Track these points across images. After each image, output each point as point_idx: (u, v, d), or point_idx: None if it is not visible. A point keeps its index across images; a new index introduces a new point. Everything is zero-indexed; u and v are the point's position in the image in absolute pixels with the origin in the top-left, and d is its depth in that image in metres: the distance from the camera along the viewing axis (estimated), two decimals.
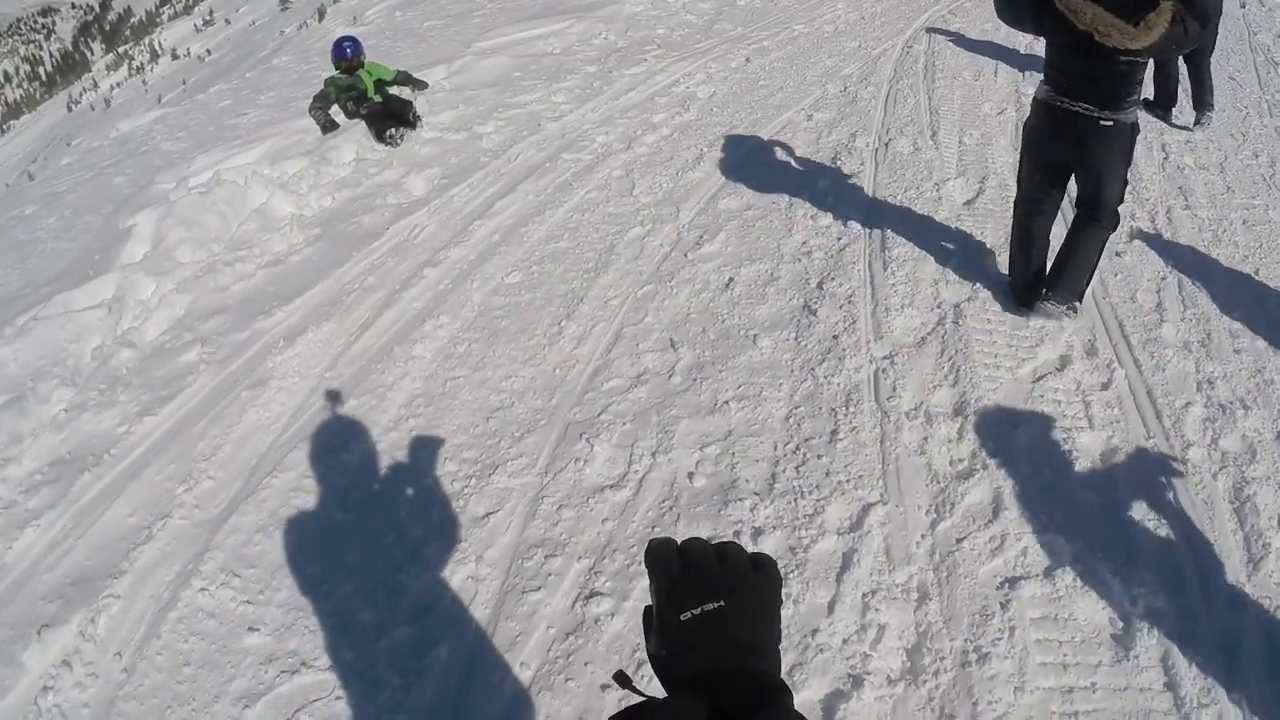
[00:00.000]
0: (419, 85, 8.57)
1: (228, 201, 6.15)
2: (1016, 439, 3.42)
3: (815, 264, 4.67)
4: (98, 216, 8.80)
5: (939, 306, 4.24)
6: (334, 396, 4.06)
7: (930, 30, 9.38)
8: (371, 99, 7.80)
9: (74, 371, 4.65)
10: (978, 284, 4.38)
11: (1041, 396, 3.65)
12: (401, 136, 7.25)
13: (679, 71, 8.47)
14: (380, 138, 7.32)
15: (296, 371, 4.26)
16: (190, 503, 3.57)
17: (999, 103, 6.98)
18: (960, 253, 4.67)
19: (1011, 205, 4.28)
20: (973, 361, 3.82)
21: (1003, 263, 4.51)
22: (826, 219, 5.12)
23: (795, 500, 3.22)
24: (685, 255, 4.86)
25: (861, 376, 3.80)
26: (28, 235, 9.22)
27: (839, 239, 4.89)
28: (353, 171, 6.75)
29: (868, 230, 4.96)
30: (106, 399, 4.30)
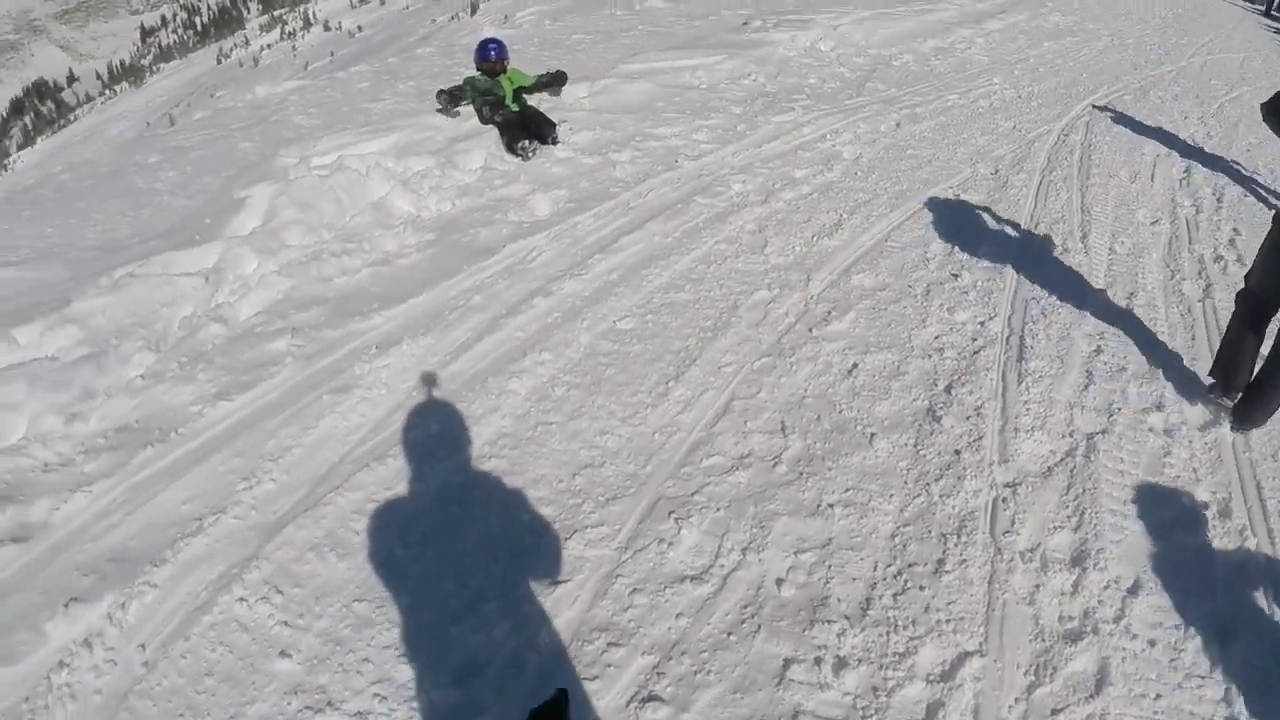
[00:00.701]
0: (558, 79, 8.52)
1: (346, 189, 6.18)
2: (1134, 605, 3.11)
3: (946, 364, 4.42)
4: (217, 179, 9.02)
5: (1071, 434, 3.95)
6: (418, 418, 3.98)
7: (1088, 119, 9.07)
8: (508, 107, 7.82)
9: (160, 337, 4.70)
10: (1114, 415, 4.10)
11: (1166, 558, 3.33)
12: (533, 150, 7.24)
13: (826, 126, 8.36)
14: (511, 148, 7.31)
15: (384, 383, 4.19)
16: (248, 502, 3.51)
17: (1154, 211, 6.66)
18: (1100, 376, 4.38)
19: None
20: (1099, 506, 3.53)
21: (1143, 393, 4.28)
22: (963, 314, 4.89)
23: (888, 633, 2.98)
24: (810, 330, 4.67)
25: (979, 502, 3.53)
26: (147, 185, 9.50)
27: (974, 339, 4.64)
28: (478, 179, 6.75)
29: (1005, 334, 4.73)
30: (186, 373, 4.31)
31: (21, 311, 4.90)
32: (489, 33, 18.35)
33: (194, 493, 3.56)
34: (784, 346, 4.54)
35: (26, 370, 4.35)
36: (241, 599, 3.07)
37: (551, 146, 7.43)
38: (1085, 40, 15.01)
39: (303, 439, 3.84)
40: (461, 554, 3.25)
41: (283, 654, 2.88)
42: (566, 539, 3.31)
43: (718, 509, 3.44)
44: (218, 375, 4.30)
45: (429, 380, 4.23)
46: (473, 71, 8.26)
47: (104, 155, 12.42)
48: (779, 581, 3.15)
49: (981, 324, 4.80)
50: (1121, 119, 9.33)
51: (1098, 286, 5.28)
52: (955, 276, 5.31)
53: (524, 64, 13.58)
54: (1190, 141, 8.86)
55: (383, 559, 3.24)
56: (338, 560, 3.24)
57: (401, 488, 3.56)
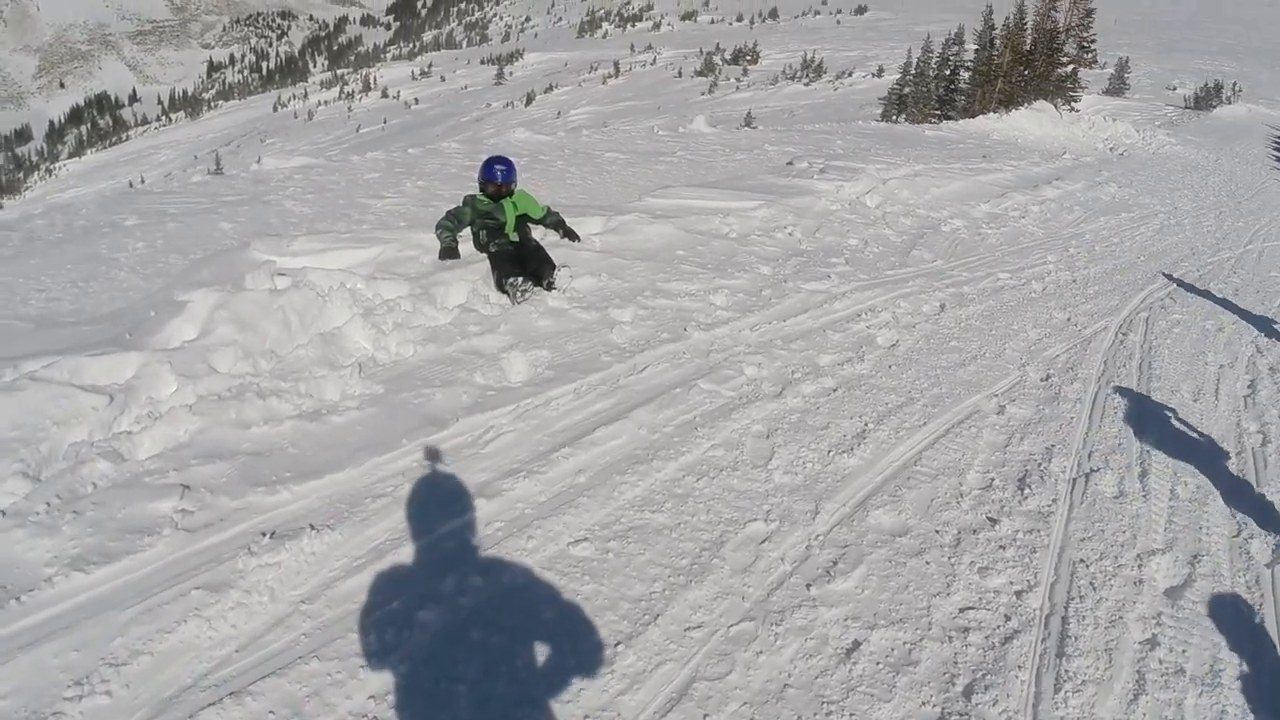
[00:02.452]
0: (569, 235, 8.21)
1: (299, 311, 5.74)
2: None
3: (969, 654, 3.80)
4: (182, 259, 8.72)
5: None
6: (296, 644, 3.40)
7: (1147, 315, 8.67)
8: (507, 236, 7.44)
9: (41, 463, 4.26)
10: None
11: None
12: (524, 294, 6.81)
13: (863, 302, 7.99)
14: (500, 285, 6.91)
15: (268, 588, 3.64)
16: (72, 716, 2.98)
17: (1218, 437, 6.10)
18: (1154, 682, 3.75)
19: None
20: None
21: (1201, 706, 3.66)
22: (997, 579, 4.28)
23: None
24: (808, 587, 4.06)
25: None
26: (110, 253, 9.24)
27: (1006, 619, 4.02)
28: (451, 322, 6.32)
29: (1045, 613, 4.10)
30: (52, 521, 3.86)
31: None
32: (518, 138, 18.41)
33: (16, 686, 3.08)
34: (772, 608, 3.92)
35: None
36: None
37: (545, 292, 6.99)
38: (1142, 218, 14.89)
39: (155, 644, 3.30)
40: None
41: None
42: None
43: None
44: (84, 533, 3.80)
45: (323, 594, 3.66)
46: (476, 192, 7.88)
47: (86, 205, 12.17)
48: None
49: (1018, 594, 4.19)
50: (1182, 317, 8.96)
51: (1156, 546, 4.67)
52: (992, 522, 4.73)
53: (548, 179, 13.47)
54: (1254, 347, 8.47)
55: None
56: None
57: None
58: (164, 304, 6.08)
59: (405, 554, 3.95)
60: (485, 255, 7.43)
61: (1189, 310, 9.20)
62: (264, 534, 3.91)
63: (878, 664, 3.69)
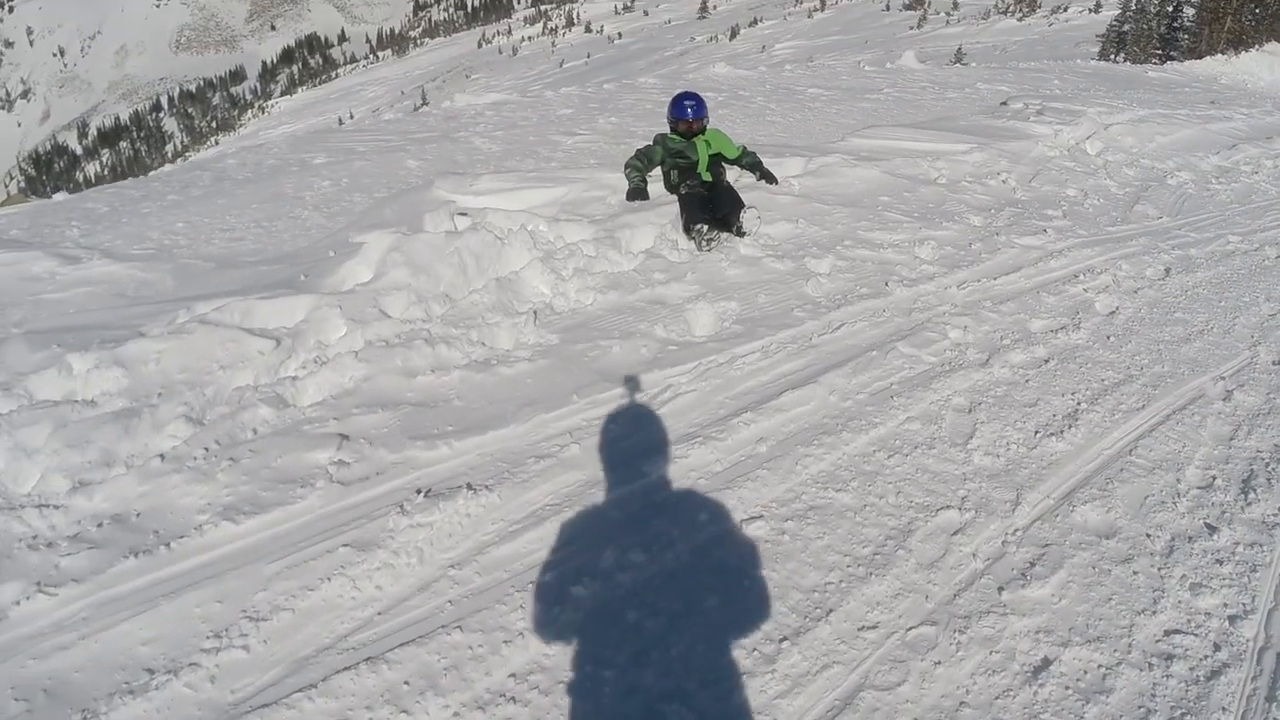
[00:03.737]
0: (767, 177, 7.94)
1: (476, 254, 5.72)
2: None
3: (1170, 685, 3.35)
4: (366, 197, 8.91)
5: None
6: (441, 611, 3.35)
7: None
8: (699, 175, 7.22)
9: (205, 405, 4.42)
10: None
11: None
12: (710, 242, 6.58)
13: (1080, 261, 7.41)
14: (687, 229, 6.71)
15: (418, 548, 3.61)
16: (208, 669, 3.04)
17: None
18: None
19: None
20: None
21: None
22: (1210, 599, 3.78)
23: None
24: (1000, 591, 3.71)
25: None
26: (294, 192, 9.54)
27: (1215, 649, 3.54)
28: (636, 268, 6.18)
29: (1259, 646, 3.58)
30: (207, 468, 3.96)
31: (89, 332, 4.88)
32: (718, 72, 18.11)
33: (158, 633, 3.16)
34: (957, 611, 3.60)
35: (57, 413, 4.22)
36: None
37: (737, 238, 6.75)
38: None
39: (298, 601, 3.32)
40: None
41: None
42: None
43: None
44: (238, 481, 3.89)
45: (473, 560, 3.60)
46: (666, 130, 7.69)
47: (276, 145, 12.74)
48: None
49: (1231, 620, 3.69)
50: None
51: None
52: (1211, 530, 4.21)
53: (746, 116, 13.17)
54: None
55: None
56: None
57: (385, 713, 2.92)
58: (342, 244, 6.21)
59: (565, 522, 3.85)
60: (675, 197, 7.26)
61: None
62: (419, 491, 3.89)
63: (1067, 689, 3.31)
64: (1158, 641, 3.56)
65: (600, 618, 3.38)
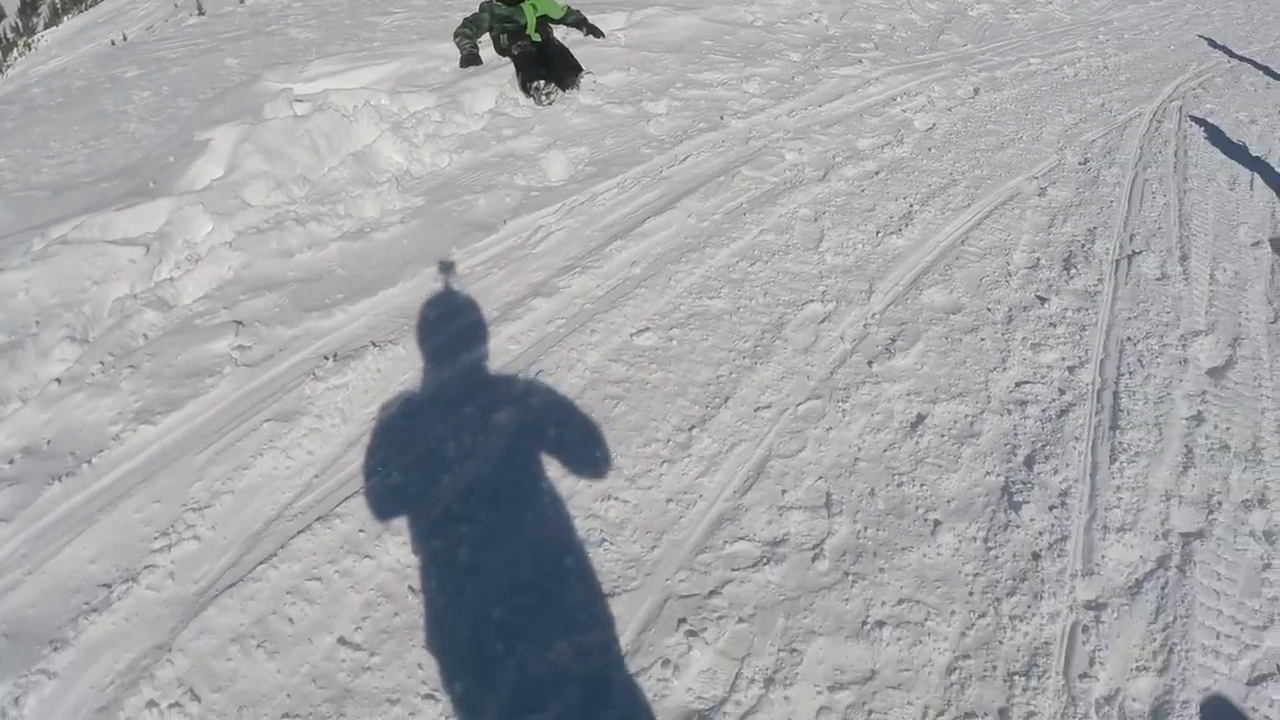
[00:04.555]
0: (593, 31, 7.96)
1: (326, 134, 5.64)
2: None
3: (1028, 425, 3.81)
4: (192, 103, 8.58)
5: (1166, 537, 3.33)
6: (374, 460, 3.46)
7: (1180, 104, 8.37)
8: (529, 38, 7.20)
9: (87, 323, 4.30)
10: (1214, 511, 3.47)
11: (1255, 710, 2.77)
12: (548, 95, 6.62)
13: (896, 86, 7.78)
14: (525, 88, 6.72)
15: (338, 409, 3.68)
16: (165, 567, 3.05)
17: (1254, 229, 5.88)
18: (1201, 457, 3.75)
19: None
20: (1190, 638, 2.95)
21: (1244, 481, 3.65)
22: (1050, 354, 4.27)
23: None
24: (870, 364, 4.07)
25: (1055, 630, 2.95)
26: (115, 107, 9.06)
27: (1061, 392, 4.03)
28: (483, 128, 6.18)
29: (1098, 388, 4.09)
30: (108, 380, 3.87)
31: None
32: None
33: (103, 548, 3.13)
34: (836, 385, 3.94)
35: None
36: (151, 703, 2.64)
37: (575, 91, 6.81)
38: (1171, 7, 14.18)
39: (234, 482, 3.36)
40: (414, 665, 2.75)
41: None
42: (548, 641, 2.79)
43: (739, 619, 2.90)
44: (144, 385, 3.84)
45: (394, 408, 3.71)
46: None
47: (82, 65, 11.94)
48: None
49: (1070, 370, 4.18)
50: (1215, 107, 8.53)
51: (1199, 328, 4.59)
52: (1042, 300, 4.68)
53: None
54: None
55: (319, 661, 2.76)
56: (266, 659, 2.77)
57: (349, 563, 3.05)
58: (183, 148, 6.01)
59: (471, 361, 3.97)
60: (509, 59, 7.22)
61: (1221, 100, 8.73)
62: (326, 358, 3.93)
63: (942, 436, 3.72)
64: (1011, 392, 4.00)
65: (524, 437, 3.56)
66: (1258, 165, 7.05)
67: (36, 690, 2.67)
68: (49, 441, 3.59)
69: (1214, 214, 5.99)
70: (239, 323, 4.16)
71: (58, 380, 3.90)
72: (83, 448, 3.54)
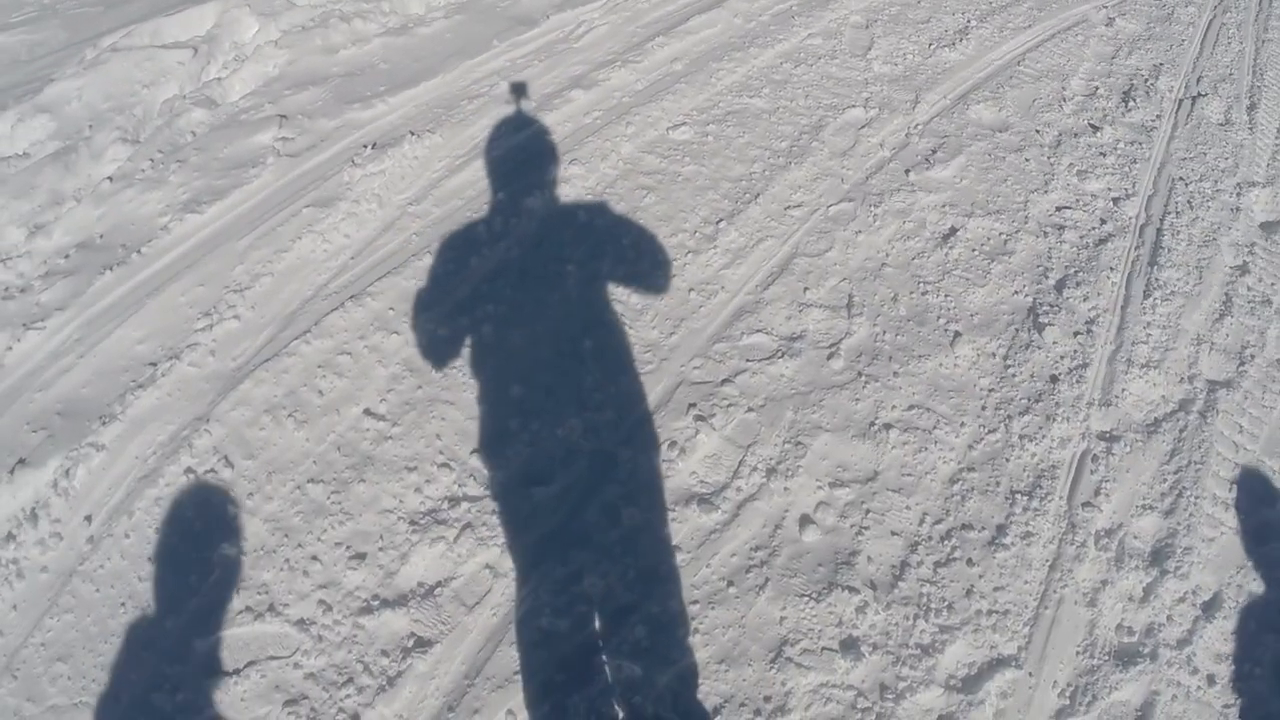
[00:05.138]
0: None
1: None
2: (1205, 630, 2.58)
3: (1064, 250, 3.69)
4: None
5: (1192, 380, 3.25)
6: (408, 244, 3.51)
7: None
8: None
9: (138, 124, 4.33)
10: (1247, 364, 3.36)
11: (1259, 570, 2.74)
12: None
13: None
14: None
15: (375, 195, 3.71)
16: (206, 345, 3.18)
17: None
18: (1240, 308, 3.60)
19: None
20: (1201, 487, 2.91)
21: None
22: (1096, 183, 4.08)
23: (915, 618, 2.52)
24: (907, 173, 3.95)
25: (1064, 455, 2.95)
26: None
27: (1103, 221, 3.87)
28: None
29: (1141, 223, 3.92)
30: (157, 175, 3.92)
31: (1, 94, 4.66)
32: None
33: (150, 330, 3.27)
34: (871, 190, 3.84)
35: None
36: (189, 470, 2.81)
37: None
38: None
39: (274, 265, 3.44)
40: (433, 436, 2.86)
41: (227, 540, 2.64)
42: (561, 419, 2.88)
43: (748, 408, 2.94)
44: (191, 177, 3.89)
45: (431, 191, 3.73)
46: None
47: None
48: (803, 521, 2.69)
49: (1115, 201, 4.00)
50: None
51: (1257, 179, 4.31)
52: (1094, 129, 4.44)
53: None
54: None
55: (344, 430, 2.88)
56: (295, 428, 2.90)
57: (378, 339, 3.14)
58: None
59: (506, 148, 3.95)
60: None
61: None
62: (365, 146, 3.93)
63: (974, 250, 3.63)
64: (1050, 215, 3.86)
65: (555, 221, 3.58)
66: None
67: (86, 461, 2.82)
68: (101, 235, 3.68)
69: None
70: (283, 116, 4.15)
71: (110, 179, 3.96)
72: (133, 239, 3.63)
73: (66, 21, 6.23)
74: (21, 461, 2.85)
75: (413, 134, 3.96)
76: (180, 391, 3.03)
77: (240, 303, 3.30)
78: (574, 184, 3.77)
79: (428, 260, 3.41)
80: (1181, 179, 4.23)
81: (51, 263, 3.60)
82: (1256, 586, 2.71)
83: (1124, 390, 3.17)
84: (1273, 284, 3.75)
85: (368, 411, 2.92)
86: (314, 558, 2.59)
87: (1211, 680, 2.48)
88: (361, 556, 2.59)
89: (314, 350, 3.11)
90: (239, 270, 3.42)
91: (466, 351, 3.09)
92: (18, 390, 3.11)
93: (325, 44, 4.63)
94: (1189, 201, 4.08)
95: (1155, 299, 3.55)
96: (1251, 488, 2.98)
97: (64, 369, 3.15)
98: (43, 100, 4.35)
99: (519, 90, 4.30)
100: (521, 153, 3.94)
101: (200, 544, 2.64)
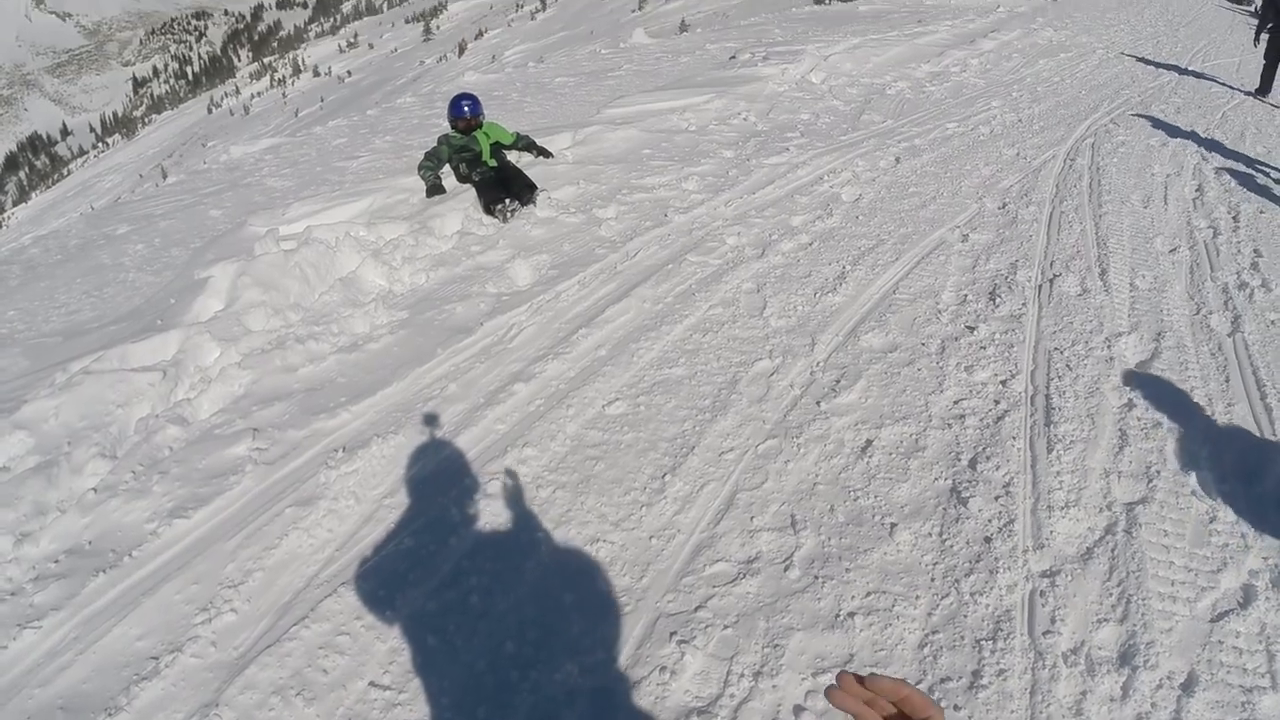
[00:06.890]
0: (542, 153, 8.44)
1: (313, 264, 5.97)
2: (1190, 705, 2.80)
3: (968, 434, 4.15)
4: (184, 251, 8.87)
5: (1110, 508, 3.65)
6: (389, 533, 3.71)
7: (1092, 141, 8.95)
8: (485, 164, 7.65)
9: (115, 442, 4.49)
10: (1154, 480, 3.80)
11: (1221, 642, 3.03)
12: (512, 212, 7.05)
13: (823, 167, 8.24)
14: (489, 209, 7.14)
15: (352, 492, 3.93)
16: (207, 637, 3.24)
17: (1170, 238, 6.47)
18: (1135, 436, 4.11)
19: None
20: (1145, 590, 3.23)
21: (1181, 450, 4.02)
22: (983, 373, 4.64)
23: None
24: (818, 404, 4.41)
25: (1015, 599, 3.23)
26: (113, 260, 9.33)
27: (996, 403, 4.38)
28: (454, 247, 6.55)
29: (1030, 394, 4.46)
30: (140, 485, 4.08)
31: None
32: (468, 80, 18.36)
33: (149, 627, 3.31)
34: (790, 425, 4.27)
35: None
36: None
37: (532, 207, 7.24)
38: (1079, 56, 15.07)
39: (264, 561, 3.58)
40: (440, 694, 2.97)
41: None
42: (556, 665, 3.03)
43: (725, 626, 3.16)
44: (174, 487, 4.05)
45: (401, 487, 3.97)
46: (448, 129, 8.10)
47: (74, 226, 12.27)
48: (797, 710, 2.86)
49: (1003, 383, 4.55)
50: (1127, 138, 9.19)
51: (1122, 330, 5.03)
52: (971, 330, 5.07)
53: (506, 111, 13.55)
54: (1199, 155, 8.73)
55: (353, 703, 2.96)
56: (305, 705, 2.96)
57: (373, 617, 3.28)
58: (183, 289, 6.30)
59: (465, 442, 4.25)
60: (470, 184, 7.66)
61: (1133, 131, 9.41)
62: (336, 450, 4.19)
63: (890, 454, 4.05)
64: (950, 409, 4.36)
65: (521, 499, 3.85)
66: (1169, 181, 7.57)
67: None
68: (90, 542, 3.78)
69: (1129, 231, 6.50)
70: (255, 429, 4.40)
71: (93, 490, 4.10)
72: (122, 544, 3.73)
73: (27, 349, 6.47)
74: None
75: (379, 436, 4.25)
76: (185, 681, 3.07)
77: (236, 597, 3.40)
78: (530, 464, 4.08)
79: (409, 542, 3.61)
80: (1056, 349, 4.84)
81: (41, 567, 3.66)
82: (1226, 655, 2.97)
83: (1052, 532, 3.52)
84: (1159, 409, 4.28)
85: (373, 684, 3.02)
86: None
87: None
88: None
89: (313, 634, 3.21)
90: (230, 568, 3.54)
91: (459, 620, 3.25)
92: (16, 687, 3.10)
93: (285, 364, 4.96)
94: (1067, 365, 4.66)
95: (1058, 451, 3.98)
96: (1192, 576, 3.32)
97: (63, 666, 3.16)
98: (19, 419, 4.48)
99: (465, 390, 4.66)
100: (479, 442, 4.27)
101: None
